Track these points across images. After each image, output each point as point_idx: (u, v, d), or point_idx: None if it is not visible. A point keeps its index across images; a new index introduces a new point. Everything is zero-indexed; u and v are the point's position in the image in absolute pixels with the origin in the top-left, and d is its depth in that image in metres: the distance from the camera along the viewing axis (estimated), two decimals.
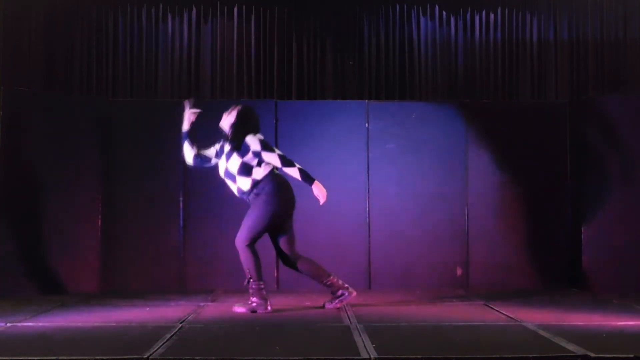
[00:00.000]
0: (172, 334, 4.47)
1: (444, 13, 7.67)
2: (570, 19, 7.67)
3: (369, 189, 7.02)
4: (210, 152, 5.66)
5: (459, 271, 7.00)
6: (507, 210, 7.07)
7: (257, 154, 5.40)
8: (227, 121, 5.54)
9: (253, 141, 5.42)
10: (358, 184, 7.02)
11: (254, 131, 5.50)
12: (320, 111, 7.10)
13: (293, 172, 5.43)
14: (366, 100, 7.22)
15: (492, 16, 7.67)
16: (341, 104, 7.21)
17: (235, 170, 5.41)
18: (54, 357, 3.77)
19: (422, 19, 7.65)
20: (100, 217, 6.87)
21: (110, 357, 3.81)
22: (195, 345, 4.21)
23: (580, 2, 7.66)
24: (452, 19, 7.66)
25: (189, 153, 5.67)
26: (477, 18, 7.67)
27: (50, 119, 6.61)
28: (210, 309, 5.67)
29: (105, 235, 6.89)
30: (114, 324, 4.89)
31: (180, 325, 4.81)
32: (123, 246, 6.88)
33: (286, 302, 5.94)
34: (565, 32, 7.67)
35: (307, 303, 5.92)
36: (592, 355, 3.81)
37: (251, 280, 5.40)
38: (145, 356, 3.81)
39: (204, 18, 7.57)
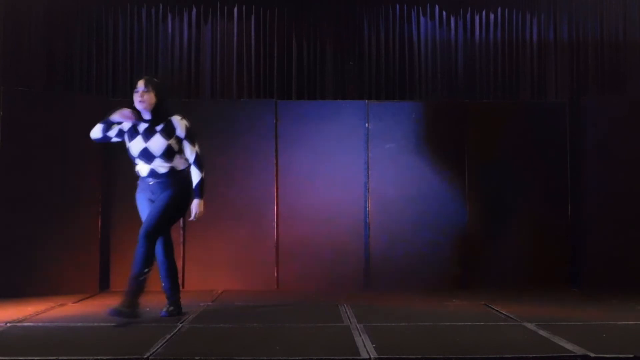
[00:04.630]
0: (172, 334, 4.48)
1: (444, 13, 7.67)
2: (570, 19, 7.68)
3: (368, 188, 7.02)
4: (112, 132, 5.21)
5: (458, 272, 7.00)
6: (507, 210, 7.07)
7: (179, 141, 5.11)
8: (145, 100, 5.06)
9: (180, 125, 5.10)
10: (358, 184, 7.02)
11: (176, 111, 5.18)
12: (320, 111, 7.10)
13: (195, 175, 5.16)
14: (366, 100, 7.22)
15: (492, 16, 7.67)
16: (341, 104, 7.21)
17: (159, 152, 5.04)
18: (54, 357, 3.77)
19: (422, 19, 7.65)
20: (100, 217, 6.87)
21: (110, 357, 3.81)
22: (195, 345, 4.21)
23: (580, 2, 7.66)
24: (452, 19, 7.67)
25: (98, 131, 5.18)
26: (477, 18, 7.67)
27: (50, 119, 6.61)
28: (210, 309, 5.67)
29: (105, 235, 6.89)
30: (114, 324, 4.88)
31: (180, 325, 4.81)
32: (123, 246, 6.87)
33: (286, 302, 5.94)
34: (565, 32, 7.67)
35: (307, 303, 5.92)
36: (592, 355, 3.82)
37: (146, 273, 5.03)
38: (145, 356, 3.81)
39: (204, 18, 7.57)
